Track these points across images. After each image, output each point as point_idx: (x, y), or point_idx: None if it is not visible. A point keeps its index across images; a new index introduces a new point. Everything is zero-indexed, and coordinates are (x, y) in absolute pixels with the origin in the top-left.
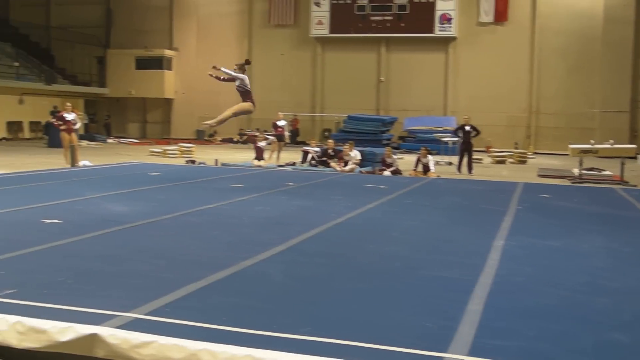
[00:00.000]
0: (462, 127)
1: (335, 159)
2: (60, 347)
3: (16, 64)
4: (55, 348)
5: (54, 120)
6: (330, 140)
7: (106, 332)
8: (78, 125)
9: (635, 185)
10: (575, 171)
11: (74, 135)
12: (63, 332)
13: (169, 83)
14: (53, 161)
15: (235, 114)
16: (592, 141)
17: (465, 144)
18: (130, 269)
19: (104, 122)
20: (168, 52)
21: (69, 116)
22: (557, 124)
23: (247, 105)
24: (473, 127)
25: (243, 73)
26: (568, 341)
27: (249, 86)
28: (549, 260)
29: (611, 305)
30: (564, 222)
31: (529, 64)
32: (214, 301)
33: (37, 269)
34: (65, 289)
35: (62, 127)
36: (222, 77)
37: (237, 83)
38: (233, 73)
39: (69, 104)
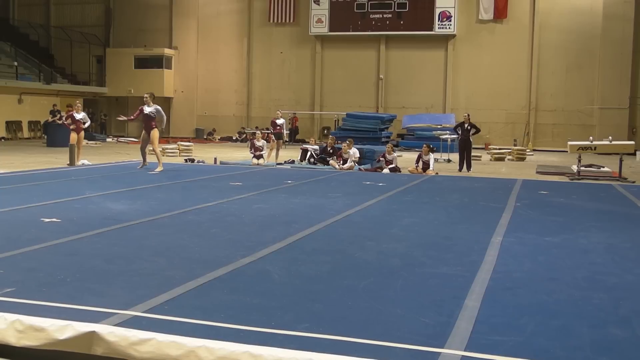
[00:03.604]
0: (461, 124)
1: (334, 157)
2: (59, 345)
3: (15, 63)
4: (54, 346)
5: (63, 120)
6: (330, 138)
7: (105, 329)
8: (88, 124)
9: (633, 182)
10: (574, 168)
11: (81, 135)
12: (62, 330)
13: (169, 82)
14: (52, 160)
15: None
16: (591, 138)
17: (464, 142)
18: (130, 267)
19: (100, 121)
20: (168, 51)
21: (79, 115)
22: (556, 121)
23: (148, 134)
24: (472, 125)
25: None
26: (566, 337)
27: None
28: (547, 256)
29: (609, 301)
30: (562, 219)
31: (529, 61)
32: (213, 299)
33: (37, 267)
34: (65, 287)
35: (72, 127)
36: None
37: (152, 110)
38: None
39: (79, 103)
